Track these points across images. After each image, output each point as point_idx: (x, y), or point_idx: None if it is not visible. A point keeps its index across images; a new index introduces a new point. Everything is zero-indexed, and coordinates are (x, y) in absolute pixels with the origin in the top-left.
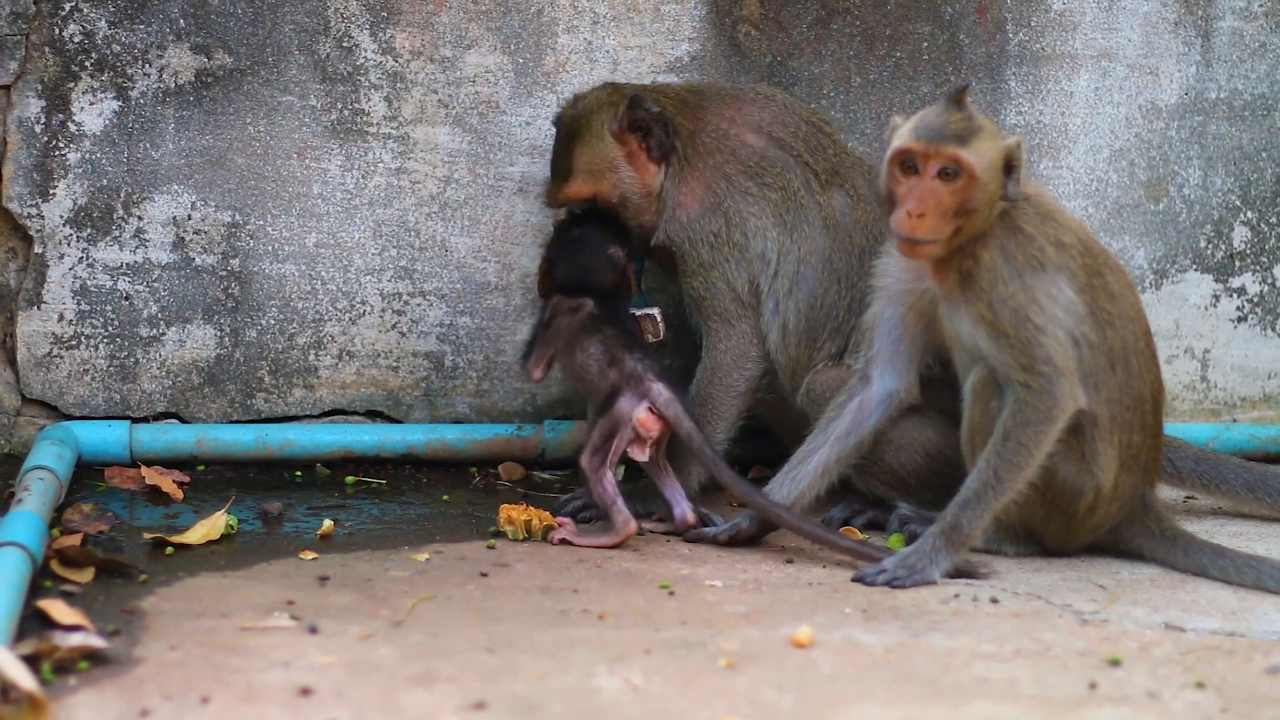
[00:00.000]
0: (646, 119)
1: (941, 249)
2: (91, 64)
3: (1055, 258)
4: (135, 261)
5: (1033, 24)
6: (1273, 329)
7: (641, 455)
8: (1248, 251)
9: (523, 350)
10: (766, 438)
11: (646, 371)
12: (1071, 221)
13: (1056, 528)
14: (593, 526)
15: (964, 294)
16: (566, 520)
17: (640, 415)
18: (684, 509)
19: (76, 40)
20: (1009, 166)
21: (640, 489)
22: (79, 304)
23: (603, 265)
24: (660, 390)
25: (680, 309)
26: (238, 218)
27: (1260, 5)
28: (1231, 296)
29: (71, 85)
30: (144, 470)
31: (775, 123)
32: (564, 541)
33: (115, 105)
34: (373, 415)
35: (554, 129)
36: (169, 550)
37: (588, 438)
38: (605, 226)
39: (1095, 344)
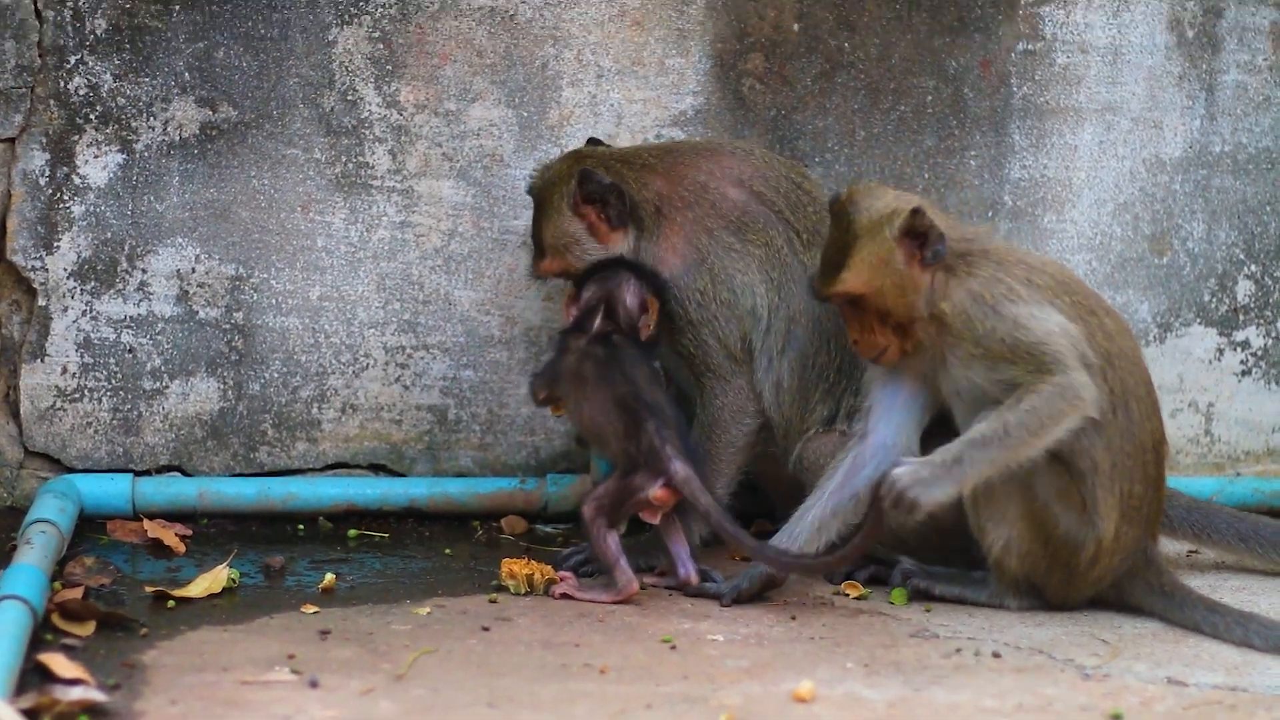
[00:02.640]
0: (599, 190)
1: (897, 349)
2: (96, 117)
3: (1028, 293)
4: (139, 314)
5: (1037, 78)
6: (1277, 383)
7: (653, 520)
8: (1252, 305)
9: (536, 370)
10: (763, 493)
11: (665, 445)
12: (1050, 266)
13: (1058, 580)
14: (595, 580)
15: (946, 344)
16: (568, 574)
17: (656, 493)
18: (688, 570)
19: (81, 93)
20: (913, 233)
21: (643, 543)
22: (82, 357)
23: (628, 296)
24: (679, 468)
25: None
26: (241, 271)
27: (1265, 59)
28: (1235, 350)
29: (76, 138)
30: (146, 523)
31: (756, 177)
32: (565, 596)
33: (120, 158)
34: (376, 469)
35: (528, 191)
36: (170, 604)
37: (595, 489)
38: (643, 272)
39: (1096, 369)
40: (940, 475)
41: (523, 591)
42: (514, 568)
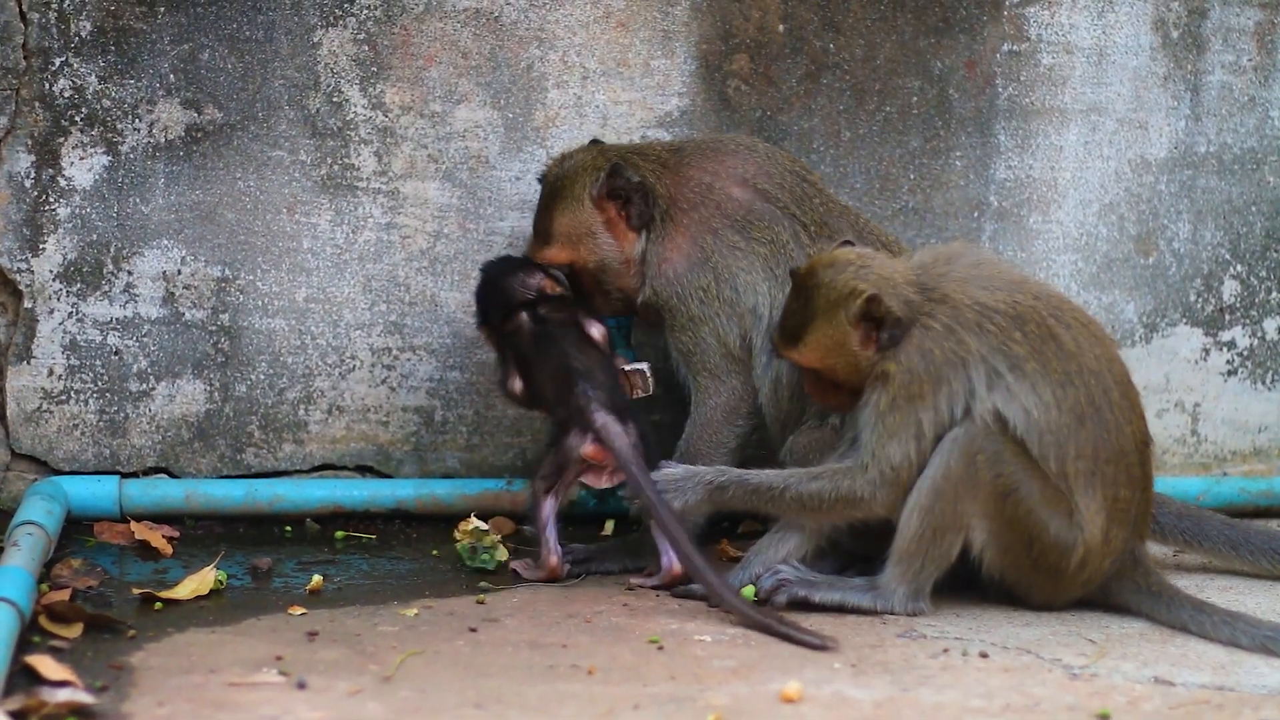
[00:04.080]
0: (626, 188)
1: (850, 404)
2: (81, 119)
3: (977, 344)
4: (125, 316)
5: (1022, 79)
6: (1263, 382)
7: (600, 482)
8: (1238, 305)
9: (497, 379)
10: None
11: (591, 403)
12: (1005, 295)
13: (1045, 582)
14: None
15: (879, 385)
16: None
17: (586, 449)
18: (672, 559)
19: (66, 95)
20: (870, 317)
21: (631, 543)
22: (69, 359)
23: (516, 278)
24: (603, 420)
25: (670, 363)
26: (227, 273)
27: (1249, 60)
28: (1221, 350)
29: (61, 140)
30: (133, 525)
31: (760, 174)
32: (514, 571)
33: (105, 160)
34: (362, 470)
35: (540, 179)
36: (158, 605)
37: (541, 462)
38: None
39: (1050, 404)
40: (697, 490)
41: (467, 550)
42: (464, 526)
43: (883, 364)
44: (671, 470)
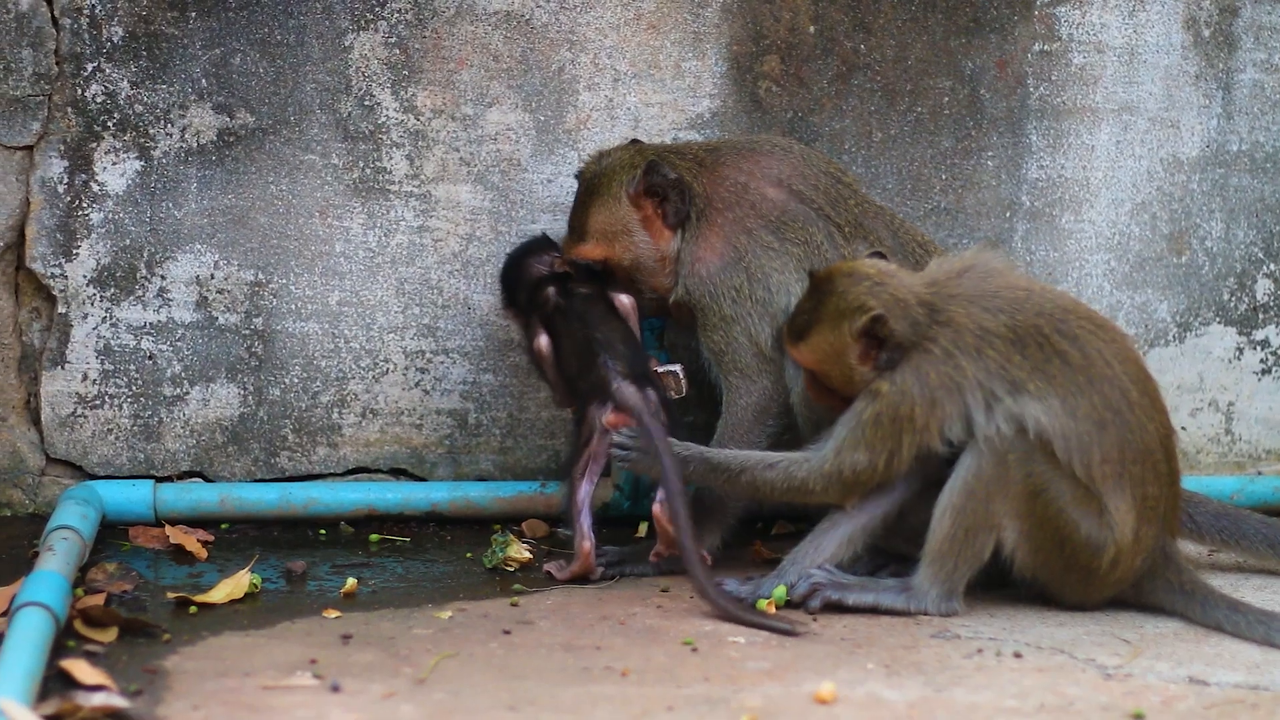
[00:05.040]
0: (663, 184)
1: (841, 407)
2: (114, 124)
3: (974, 369)
4: (159, 321)
5: (1053, 78)
6: None
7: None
8: (1271, 304)
9: (552, 397)
10: None
11: (611, 372)
12: (1005, 315)
13: (1076, 582)
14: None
15: (866, 395)
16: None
17: (608, 418)
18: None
19: (99, 100)
20: (872, 335)
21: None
22: (103, 363)
23: (535, 256)
24: (624, 388)
25: (701, 363)
26: (260, 276)
27: None
28: (1255, 349)
29: (94, 145)
30: (168, 529)
31: (795, 175)
32: (548, 573)
33: (138, 165)
34: (396, 473)
35: (576, 183)
36: (192, 609)
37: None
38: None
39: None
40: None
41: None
42: (513, 538)
43: (877, 382)
44: (639, 431)
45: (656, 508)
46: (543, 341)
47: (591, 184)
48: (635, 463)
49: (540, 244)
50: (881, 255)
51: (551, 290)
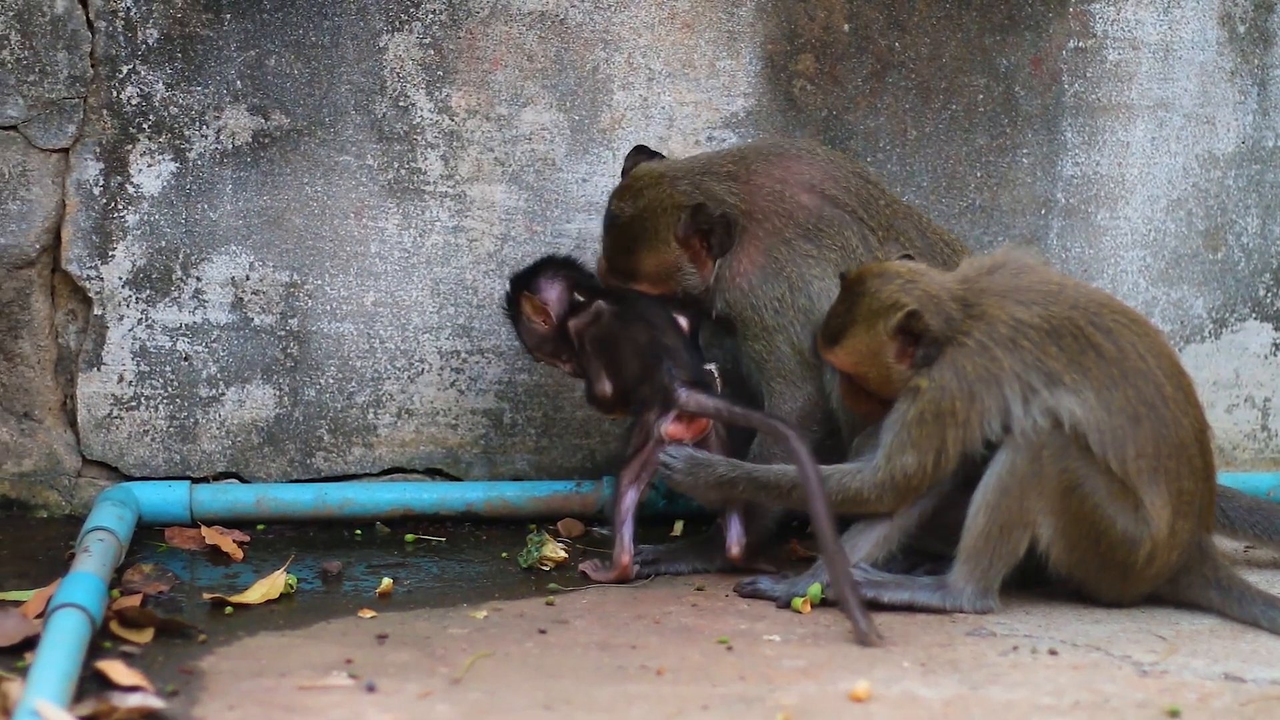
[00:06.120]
0: (710, 222)
1: (880, 413)
2: (149, 126)
3: (1010, 360)
4: (194, 322)
5: (1088, 75)
6: None
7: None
8: None
9: (585, 394)
10: None
11: (675, 381)
12: (1039, 307)
13: (1112, 578)
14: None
15: (908, 394)
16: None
17: (668, 428)
18: (732, 539)
19: (134, 103)
20: (908, 332)
21: (700, 543)
22: (138, 365)
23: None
24: (687, 396)
25: (736, 365)
26: (296, 277)
27: None
28: None
29: (129, 147)
30: (204, 530)
31: (826, 179)
32: (583, 573)
33: (173, 167)
34: (432, 473)
35: (609, 218)
36: (228, 610)
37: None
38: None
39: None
40: (708, 479)
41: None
42: (548, 537)
43: (916, 379)
44: (686, 452)
45: None
46: (606, 388)
47: (633, 228)
48: (679, 483)
49: (556, 262)
50: (910, 257)
51: (601, 303)
